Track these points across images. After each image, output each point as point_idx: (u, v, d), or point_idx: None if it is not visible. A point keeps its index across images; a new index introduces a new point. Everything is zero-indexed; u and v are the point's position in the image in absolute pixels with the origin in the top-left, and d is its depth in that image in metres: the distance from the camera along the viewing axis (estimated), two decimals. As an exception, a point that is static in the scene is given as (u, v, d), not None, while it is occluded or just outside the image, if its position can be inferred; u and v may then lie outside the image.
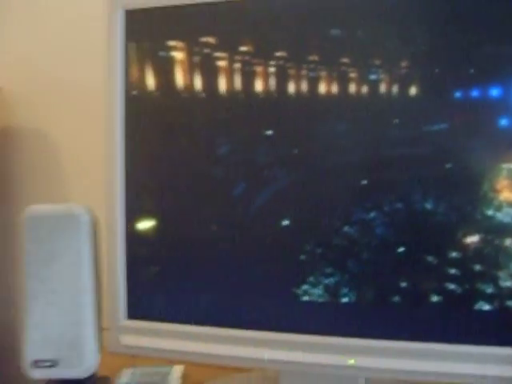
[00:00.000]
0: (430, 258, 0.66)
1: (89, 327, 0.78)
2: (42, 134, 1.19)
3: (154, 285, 0.78)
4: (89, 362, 0.78)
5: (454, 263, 0.66)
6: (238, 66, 0.72)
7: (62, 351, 0.77)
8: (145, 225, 0.78)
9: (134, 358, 0.91)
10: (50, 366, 0.77)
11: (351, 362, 0.70)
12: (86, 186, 1.12)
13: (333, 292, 0.70)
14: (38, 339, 0.78)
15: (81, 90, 1.14)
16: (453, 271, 0.66)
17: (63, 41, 1.16)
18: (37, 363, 0.78)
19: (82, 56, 1.13)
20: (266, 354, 0.73)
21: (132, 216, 0.78)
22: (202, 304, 0.76)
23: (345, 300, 0.70)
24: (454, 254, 0.66)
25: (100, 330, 0.80)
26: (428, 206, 0.66)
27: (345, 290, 0.70)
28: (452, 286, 0.66)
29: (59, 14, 1.16)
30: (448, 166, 0.65)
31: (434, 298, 0.66)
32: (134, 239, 0.78)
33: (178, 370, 0.88)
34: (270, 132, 0.72)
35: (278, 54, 0.70)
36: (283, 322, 0.73)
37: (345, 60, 0.68)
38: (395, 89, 0.66)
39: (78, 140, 1.16)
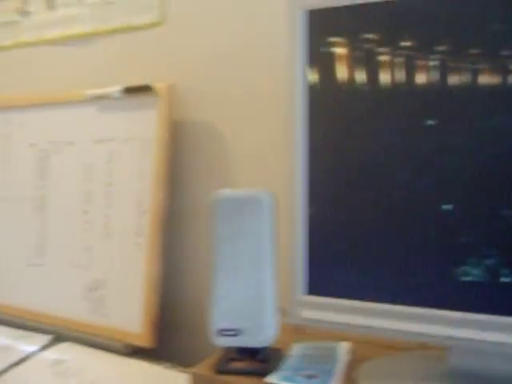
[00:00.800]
0: None
1: (268, 301, 0.83)
2: (211, 127, 1.25)
3: (328, 265, 0.82)
4: (267, 334, 0.83)
5: None
6: (400, 60, 0.75)
7: (243, 322, 0.83)
8: (322, 208, 0.81)
9: (302, 334, 0.96)
10: (233, 335, 0.83)
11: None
12: (252, 174, 1.20)
13: (493, 273, 0.72)
14: (223, 311, 0.84)
15: (247, 85, 1.20)
16: None
17: (234, 40, 1.21)
18: (221, 332, 0.84)
19: (251, 54, 1.18)
20: (436, 330, 0.75)
21: (311, 199, 0.82)
22: (374, 283, 0.79)
23: (505, 280, 0.71)
24: None
25: (276, 305, 0.85)
26: None
27: (505, 271, 0.71)
28: None
29: (234, 13, 1.21)
30: None
31: None
32: (312, 222, 0.82)
33: (345, 346, 0.92)
34: (431, 122, 0.74)
35: (439, 48, 0.73)
36: (450, 300, 0.74)
37: (503, 52, 0.70)
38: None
39: (244, 133, 1.21)
